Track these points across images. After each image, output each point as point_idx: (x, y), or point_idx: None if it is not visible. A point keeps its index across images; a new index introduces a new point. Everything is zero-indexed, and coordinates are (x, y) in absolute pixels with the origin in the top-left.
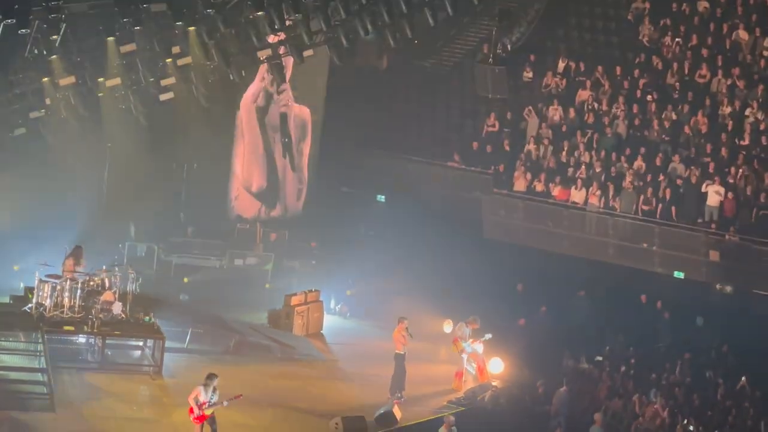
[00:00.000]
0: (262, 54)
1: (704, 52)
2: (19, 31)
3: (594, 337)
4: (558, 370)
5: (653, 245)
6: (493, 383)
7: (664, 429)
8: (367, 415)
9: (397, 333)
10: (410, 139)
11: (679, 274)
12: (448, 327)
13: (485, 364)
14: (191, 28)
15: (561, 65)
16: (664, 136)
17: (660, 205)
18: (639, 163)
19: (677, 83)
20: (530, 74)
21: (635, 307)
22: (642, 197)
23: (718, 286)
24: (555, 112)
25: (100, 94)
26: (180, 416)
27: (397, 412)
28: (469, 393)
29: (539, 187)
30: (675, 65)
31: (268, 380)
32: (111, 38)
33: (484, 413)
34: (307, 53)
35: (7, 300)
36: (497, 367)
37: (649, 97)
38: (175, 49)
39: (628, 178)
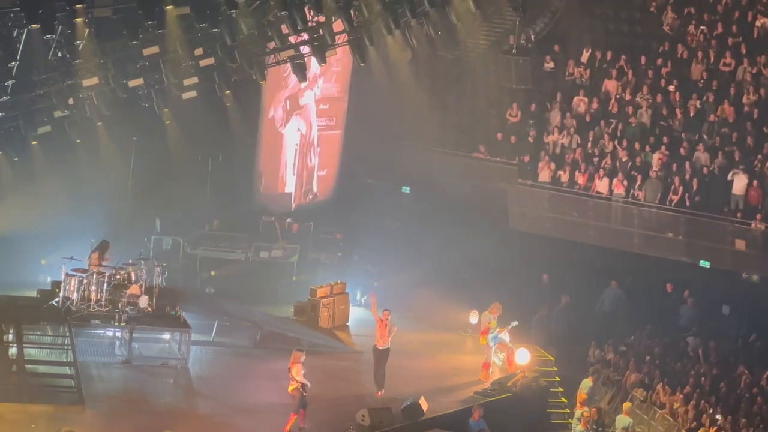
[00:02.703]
0: (285, 54)
1: (729, 40)
2: (44, 37)
3: (620, 326)
4: (584, 359)
5: (679, 235)
6: (520, 373)
7: (689, 418)
8: (394, 406)
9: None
10: (435, 130)
11: (705, 264)
12: (474, 318)
13: (513, 355)
14: (214, 30)
15: (585, 55)
16: (688, 125)
17: (686, 195)
18: (663, 152)
19: (702, 72)
20: (553, 64)
21: (661, 297)
22: (667, 186)
23: (744, 275)
24: (579, 102)
25: (123, 96)
26: (207, 408)
27: (424, 404)
28: (496, 384)
29: (564, 177)
30: (699, 54)
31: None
32: (135, 42)
33: (512, 404)
34: (330, 53)
35: (34, 294)
36: (524, 357)
37: (672, 87)
38: (198, 51)
39: (653, 168)
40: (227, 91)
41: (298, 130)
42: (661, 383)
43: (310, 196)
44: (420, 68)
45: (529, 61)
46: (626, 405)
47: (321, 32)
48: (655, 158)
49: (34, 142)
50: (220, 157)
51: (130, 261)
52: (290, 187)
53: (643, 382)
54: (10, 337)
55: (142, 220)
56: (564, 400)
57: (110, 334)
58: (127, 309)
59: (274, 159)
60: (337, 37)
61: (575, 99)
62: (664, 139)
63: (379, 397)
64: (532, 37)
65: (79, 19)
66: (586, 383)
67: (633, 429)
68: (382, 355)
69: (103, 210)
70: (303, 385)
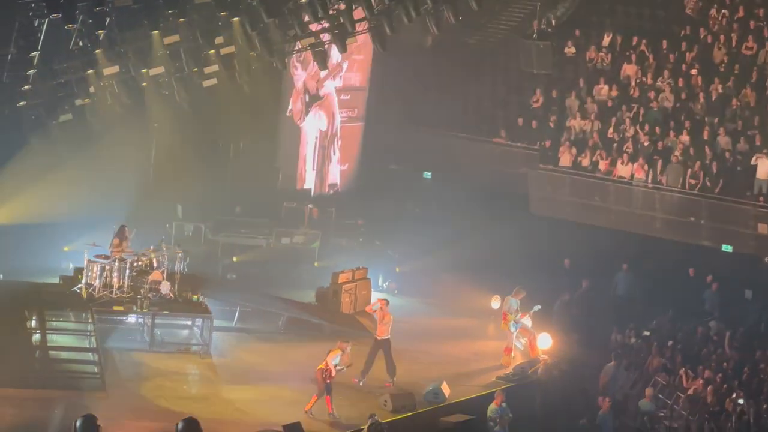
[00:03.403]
0: (305, 42)
1: (751, 23)
2: (66, 27)
3: (641, 311)
4: (606, 344)
5: (701, 219)
6: (543, 358)
7: (712, 403)
8: (416, 392)
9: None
10: (456, 115)
11: (727, 248)
12: (495, 303)
13: (535, 340)
14: (235, 19)
15: (606, 39)
16: (710, 109)
17: (707, 179)
18: (685, 136)
19: (724, 56)
20: (574, 49)
21: (683, 282)
22: (689, 171)
23: (766, 259)
24: (600, 87)
25: (143, 84)
26: (230, 394)
27: (446, 389)
28: (518, 369)
29: (585, 162)
30: (722, 38)
31: (316, 358)
32: (156, 32)
33: (534, 389)
34: (350, 41)
35: (57, 281)
36: (546, 342)
37: (694, 71)
38: (219, 40)
39: (675, 152)
40: (247, 79)
41: (318, 122)
42: (684, 368)
43: (331, 191)
44: (440, 54)
45: (549, 46)
46: (648, 390)
47: (341, 20)
48: (677, 143)
49: (55, 130)
50: (241, 144)
51: (151, 247)
52: (309, 182)
53: (665, 366)
54: (34, 323)
55: (163, 207)
56: (585, 386)
57: (133, 320)
58: (149, 295)
59: (292, 154)
60: (357, 24)
61: (596, 84)
62: (686, 124)
63: (388, 387)
64: (553, 21)
65: (99, 9)
66: (608, 369)
67: (655, 414)
68: (382, 345)
69: (124, 196)
70: (328, 370)
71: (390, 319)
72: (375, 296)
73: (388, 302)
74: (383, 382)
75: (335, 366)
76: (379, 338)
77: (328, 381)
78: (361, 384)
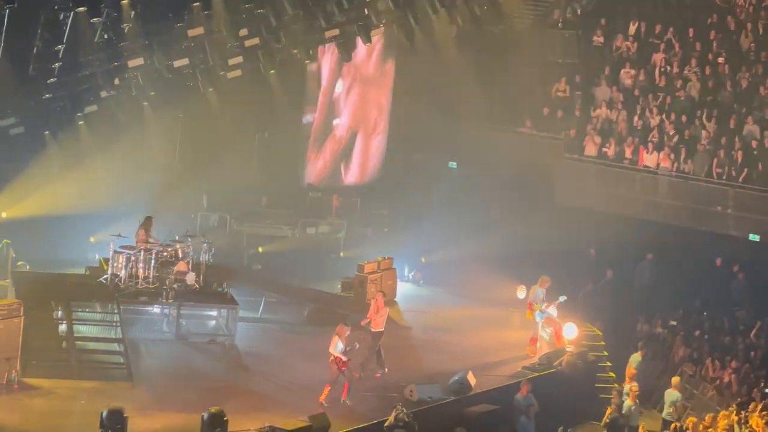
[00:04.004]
0: (330, 34)
1: None
2: (91, 20)
3: (668, 301)
4: (632, 334)
5: (728, 208)
6: (568, 348)
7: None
8: (442, 381)
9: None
10: (481, 105)
11: (754, 237)
12: (521, 293)
13: (561, 330)
14: (259, 11)
15: (632, 28)
16: (737, 97)
17: (733, 168)
18: (712, 125)
19: (751, 44)
20: (601, 38)
21: (710, 271)
22: (715, 160)
23: None
24: (626, 76)
25: (168, 76)
26: (255, 385)
27: (472, 379)
28: (544, 358)
29: (610, 151)
30: (749, 26)
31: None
32: (180, 24)
33: (560, 378)
34: (375, 32)
35: (83, 272)
36: (571, 332)
37: (721, 59)
38: (243, 32)
39: (702, 141)
40: (272, 71)
41: (347, 104)
42: (711, 357)
43: (358, 172)
44: (465, 43)
45: (575, 35)
46: (675, 379)
47: (366, 12)
48: (704, 131)
49: (81, 122)
50: (266, 134)
51: (177, 238)
52: (335, 173)
53: (692, 356)
54: (60, 314)
55: (189, 197)
56: (612, 374)
57: (158, 310)
58: (174, 286)
59: (322, 134)
60: (382, 16)
61: (622, 72)
62: (714, 112)
63: (378, 378)
64: (578, 10)
65: (125, 2)
66: (636, 358)
67: (682, 403)
68: (378, 337)
69: (150, 187)
70: (338, 359)
71: (385, 311)
72: (400, 286)
73: (384, 294)
74: (411, 372)
75: (341, 352)
76: (374, 331)
77: (342, 369)
78: (382, 376)
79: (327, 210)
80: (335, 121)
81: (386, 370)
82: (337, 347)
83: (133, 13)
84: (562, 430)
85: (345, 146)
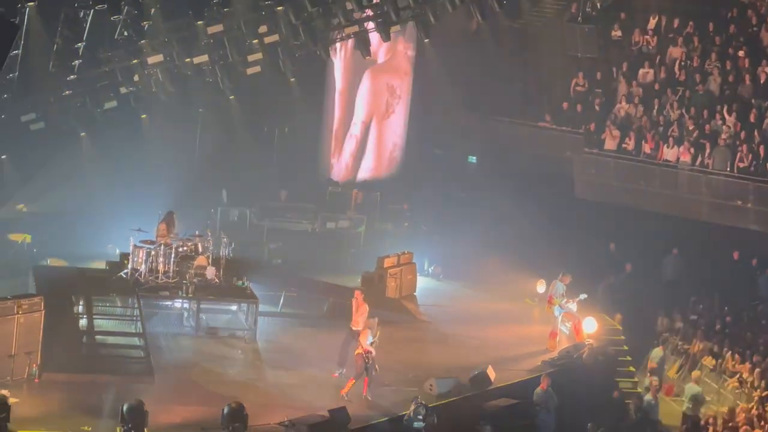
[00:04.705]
0: (349, 30)
1: None
2: (111, 18)
3: (688, 295)
4: (651, 328)
5: (748, 202)
6: (588, 342)
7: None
8: (461, 375)
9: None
10: (501, 99)
11: None
12: (541, 287)
13: (580, 324)
14: (279, 8)
15: (652, 22)
16: (757, 91)
17: (754, 162)
18: (732, 119)
19: None
20: (620, 32)
21: (730, 265)
22: (738, 154)
23: None
24: (646, 70)
25: (188, 73)
26: (275, 379)
27: (491, 373)
28: (563, 353)
29: (630, 145)
30: None
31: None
32: (200, 22)
33: (580, 373)
34: (394, 29)
35: (103, 266)
36: (591, 326)
37: (741, 53)
38: (262, 28)
39: (722, 135)
40: (291, 67)
41: (368, 98)
42: (731, 352)
43: (378, 166)
44: (484, 38)
45: (594, 30)
46: (695, 373)
47: (385, 8)
48: (724, 126)
49: (102, 118)
50: (286, 129)
51: (197, 232)
52: (358, 157)
53: (712, 350)
54: (80, 308)
55: (208, 192)
56: (632, 369)
57: (178, 305)
58: (194, 280)
59: (342, 129)
60: (401, 12)
61: (641, 67)
62: (733, 106)
63: (335, 378)
64: (598, 4)
65: None
66: (657, 352)
67: (702, 398)
68: (355, 335)
69: (170, 182)
70: (367, 352)
71: (365, 309)
72: (420, 281)
73: (362, 292)
74: (431, 366)
75: (370, 344)
76: (353, 329)
77: (368, 363)
78: (342, 376)
79: (346, 204)
80: (354, 117)
81: (343, 370)
82: (368, 339)
83: (153, 10)
84: (592, 427)
85: (362, 139)
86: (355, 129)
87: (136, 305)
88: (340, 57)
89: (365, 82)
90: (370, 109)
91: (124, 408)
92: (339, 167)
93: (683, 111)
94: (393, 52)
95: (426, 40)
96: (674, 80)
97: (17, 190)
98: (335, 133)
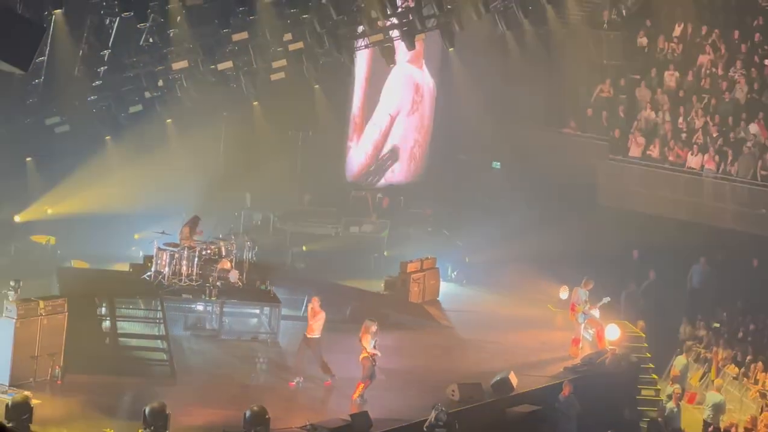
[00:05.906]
0: (374, 39)
1: None
2: (138, 26)
3: (710, 303)
4: (675, 335)
5: None
6: (611, 349)
7: None
8: (484, 381)
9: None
10: (525, 105)
11: None
12: (564, 293)
13: (603, 331)
14: (304, 16)
15: (677, 29)
16: None
17: None
18: (757, 127)
19: None
20: (645, 39)
21: (753, 273)
22: (760, 162)
23: None
24: (671, 78)
25: (212, 79)
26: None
27: (513, 379)
28: (586, 359)
29: (654, 152)
30: None
31: (382, 348)
32: (226, 30)
33: (602, 379)
34: (419, 37)
35: (127, 268)
36: (614, 333)
37: (767, 61)
38: (287, 36)
39: (747, 143)
40: (315, 74)
41: (393, 103)
42: (755, 360)
43: (402, 171)
44: (509, 44)
45: (620, 36)
46: (718, 382)
47: (410, 17)
48: (749, 133)
49: (127, 123)
50: (310, 133)
51: (220, 235)
52: (382, 162)
53: (735, 358)
54: (104, 310)
55: (232, 196)
56: (655, 376)
57: (201, 308)
58: (217, 283)
59: (366, 133)
60: (426, 21)
61: (667, 74)
62: (759, 114)
63: (327, 386)
64: (624, 11)
65: (172, 7)
66: (680, 360)
67: (723, 406)
68: (310, 344)
69: (194, 186)
70: (373, 356)
71: (322, 316)
72: (443, 286)
73: (318, 299)
74: (453, 372)
75: (374, 347)
76: (308, 336)
77: (374, 365)
78: (299, 385)
79: (368, 208)
80: (378, 105)
81: (335, 375)
82: (371, 343)
83: (179, 18)
84: None
85: (386, 132)
86: (380, 118)
87: (159, 308)
88: (364, 55)
89: (392, 74)
90: (397, 102)
91: (146, 410)
92: (357, 152)
93: (708, 119)
94: (418, 55)
95: (450, 49)
96: (699, 87)
97: (42, 193)
98: (354, 119)
